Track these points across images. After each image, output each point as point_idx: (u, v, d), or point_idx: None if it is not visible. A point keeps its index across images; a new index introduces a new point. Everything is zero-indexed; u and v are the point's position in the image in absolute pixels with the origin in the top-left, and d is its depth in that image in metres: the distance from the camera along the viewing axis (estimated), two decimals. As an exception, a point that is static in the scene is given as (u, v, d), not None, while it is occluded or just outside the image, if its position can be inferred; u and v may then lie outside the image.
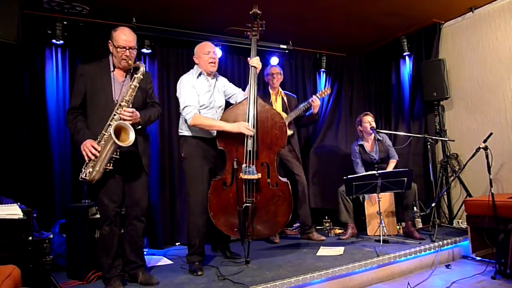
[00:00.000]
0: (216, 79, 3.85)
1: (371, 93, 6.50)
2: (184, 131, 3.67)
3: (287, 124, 4.59)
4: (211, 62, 3.73)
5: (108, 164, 2.87)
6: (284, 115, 4.66)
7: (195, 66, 3.81)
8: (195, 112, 3.53)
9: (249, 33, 3.84)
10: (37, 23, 4.28)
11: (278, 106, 4.80)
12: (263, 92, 4.90)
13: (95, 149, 2.83)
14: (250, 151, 3.50)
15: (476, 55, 5.09)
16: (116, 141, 2.78)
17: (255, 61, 3.72)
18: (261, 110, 3.61)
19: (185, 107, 3.55)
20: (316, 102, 4.62)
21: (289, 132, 4.66)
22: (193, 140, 3.63)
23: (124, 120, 2.89)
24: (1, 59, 3.99)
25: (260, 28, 3.83)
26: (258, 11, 3.75)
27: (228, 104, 3.87)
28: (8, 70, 4.10)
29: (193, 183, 3.56)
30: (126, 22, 4.48)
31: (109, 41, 3.11)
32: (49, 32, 4.29)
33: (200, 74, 3.74)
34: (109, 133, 2.81)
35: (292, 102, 4.89)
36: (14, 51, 4.01)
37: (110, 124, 2.87)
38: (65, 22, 4.34)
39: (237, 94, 3.94)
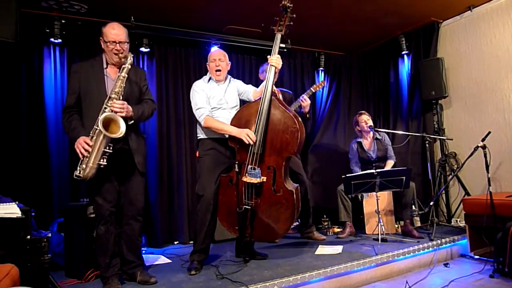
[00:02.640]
0: (229, 82, 3.83)
1: (370, 92, 6.50)
2: (200, 134, 3.71)
3: None
4: (216, 70, 3.73)
5: (102, 159, 2.82)
6: None
7: (208, 72, 3.82)
8: (207, 114, 3.56)
9: (274, 27, 3.55)
10: (35, 21, 4.27)
11: None
12: None
13: (88, 144, 2.80)
14: (255, 153, 3.43)
15: (474, 54, 5.10)
16: (105, 132, 2.74)
17: (274, 60, 3.49)
18: (274, 112, 3.47)
19: (197, 109, 3.59)
20: (305, 102, 4.59)
21: None
22: (209, 141, 3.65)
23: (115, 112, 2.86)
24: (-1, 58, 3.99)
25: (288, 23, 3.55)
26: (289, 4, 3.49)
27: (242, 102, 3.84)
28: (6, 68, 4.09)
29: (205, 182, 3.56)
30: (124, 21, 4.46)
31: (100, 38, 3.08)
32: (47, 30, 4.28)
33: (210, 79, 3.75)
34: (97, 128, 2.77)
35: (286, 98, 4.78)
36: (12, 50, 4.01)
37: (99, 124, 2.83)
38: (63, 21, 4.33)
39: (248, 90, 3.85)
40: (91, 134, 2.85)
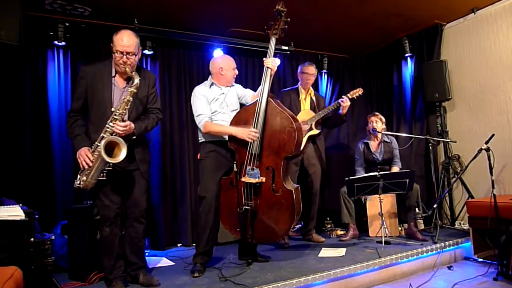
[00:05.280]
0: (230, 86, 3.87)
1: (373, 94, 6.49)
2: (201, 137, 3.74)
3: (313, 123, 4.58)
4: (234, 76, 3.84)
5: (101, 175, 2.87)
6: (312, 113, 4.64)
7: (209, 77, 3.83)
8: (206, 120, 3.59)
9: (269, 31, 3.66)
10: (39, 24, 4.29)
11: (306, 105, 4.73)
12: (292, 88, 4.84)
13: (89, 159, 2.83)
14: (254, 154, 3.47)
15: (477, 56, 5.09)
16: (106, 158, 2.76)
17: (269, 62, 3.59)
18: (271, 113, 3.53)
19: (198, 116, 3.63)
20: (346, 102, 4.54)
21: (316, 131, 4.65)
22: (210, 144, 3.67)
23: (117, 134, 2.86)
24: (3, 61, 3.99)
25: (283, 27, 3.64)
26: (283, 8, 3.59)
27: (241, 106, 3.86)
28: (10, 71, 4.10)
29: (206, 183, 3.58)
30: (128, 24, 4.49)
31: (111, 44, 3.03)
32: (51, 33, 4.30)
33: (212, 84, 3.77)
34: (100, 148, 2.78)
35: (320, 102, 4.84)
36: (16, 53, 4.01)
37: (103, 137, 2.85)
38: (67, 24, 4.35)
39: (246, 94, 3.92)
40: (93, 148, 2.87)
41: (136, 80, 2.93)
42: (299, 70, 4.81)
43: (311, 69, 4.73)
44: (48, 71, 4.36)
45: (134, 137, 3.04)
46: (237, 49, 5.38)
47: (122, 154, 2.84)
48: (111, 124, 2.86)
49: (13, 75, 4.13)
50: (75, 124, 3.03)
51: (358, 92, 4.69)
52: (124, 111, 2.91)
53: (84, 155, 2.84)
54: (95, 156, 2.84)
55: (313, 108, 4.74)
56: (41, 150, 4.25)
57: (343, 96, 4.59)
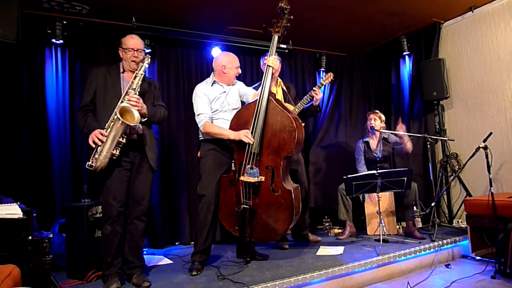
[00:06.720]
0: (232, 85, 3.86)
1: (371, 93, 6.49)
2: (201, 135, 3.74)
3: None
4: (237, 74, 3.83)
5: (115, 149, 2.93)
6: (289, 106, 4.45)
7: (211, 75, 3.82)
8: (206, 120, 3.60)
9: (271, 29, 3.65)
10: (36, 22, 4.28)
11: (279, 97, 4.49)
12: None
13: (102, 134, 2.91)
14: (253, 153, 3.46)
15: (475, 54, 5.09)
16: (121, 119, 2.85)
17: (271, 60, 3.57)
18: (271, 112, 3.51)
19: (198, 115, 3.65)
20: (318, 95, 4.33)
21: None
22: (210, 142, 3.68)
23: (131, 104, 2.98)
24: (1, 59, 3.99)
25: (285, 25, 3.62)
26: (286, 6, 3.58)
27: (242, 104, 3.86)
28: (8, 69, 4.10)
29: (206, 182, 3.59)
30: (126, 22, 4.49)
31: (119, 48, 3.27)
32: (49, 31, 4.29)
33: (214, 83, 3.76)
34: (115, 116, 2.90)
35: (291, 91, 4.63)
36: (14, 51, 4.01)
37: (116, 113, 2.94)
38: (64, 22, 4.34)
39: (247, 93, 3.90)
40: (106, 127, 2.95)
41: (147, 60, 3.18)
42: (261, 64, 4.58)
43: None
44: (46, 69, 4.35)
45: (146, 118, 3.17)
46: (235, 47, 5.36)
47: (135, 116, 2.96)
48: (125, 98, 3.01)
49: (10, 73, 4.12)
50: (86, 116, 3.12)
51: (329, 77, 4.49)
52: (137, 86, 3.08)
53: (97, 133, 2.93)
54: (108, 130, 2.92)
55: (287, 99, 4.51)
56: (39, 148, 4.24)
57: (314, 88, 4.38)
